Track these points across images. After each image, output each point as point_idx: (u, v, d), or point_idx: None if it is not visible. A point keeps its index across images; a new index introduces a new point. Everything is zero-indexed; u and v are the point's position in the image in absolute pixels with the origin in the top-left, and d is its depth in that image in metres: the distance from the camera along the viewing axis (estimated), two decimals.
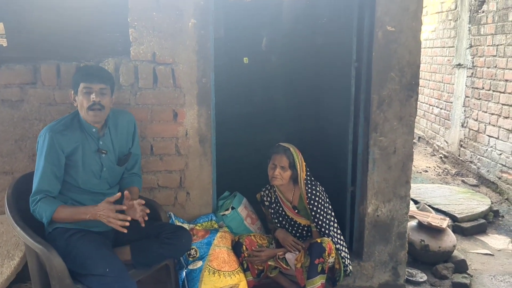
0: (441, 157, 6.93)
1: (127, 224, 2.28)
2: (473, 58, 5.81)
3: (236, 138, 4.16)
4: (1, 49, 2.92)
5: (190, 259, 2.84)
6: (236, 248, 2.95)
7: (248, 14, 4.52)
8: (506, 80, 5.03)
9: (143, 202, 2.42)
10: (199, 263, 2.82)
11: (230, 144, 3.78)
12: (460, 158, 6.27)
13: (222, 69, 3.42)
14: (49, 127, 2.42)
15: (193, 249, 2.85)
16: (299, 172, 2.96)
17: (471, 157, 5.95)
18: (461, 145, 6.24)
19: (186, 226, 2.96)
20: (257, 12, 4.61)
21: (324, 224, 2.94)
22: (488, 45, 5.43)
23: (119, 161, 2.61)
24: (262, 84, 4.66)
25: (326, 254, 2.76)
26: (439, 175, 6.23)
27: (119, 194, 2.34)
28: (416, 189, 5.10)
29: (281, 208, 3.09)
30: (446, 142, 6.74)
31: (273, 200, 3.12)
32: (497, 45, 5.22)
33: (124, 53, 2.89)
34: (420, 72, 3.13)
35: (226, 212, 3.17)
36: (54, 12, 2.89)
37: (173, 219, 2.95)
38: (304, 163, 2.99)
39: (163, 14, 2.82)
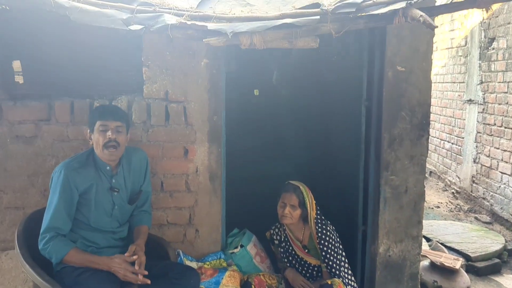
0: (453, 193, 6.84)
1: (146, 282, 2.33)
2: (484, 94, 5.80)
3: (245, 172, 4.15)
4: (17, 86, 2.98)
5: None
6: None
7: (260, 49, 4.58)
8: None
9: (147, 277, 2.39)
10: None
11: (239, 179, 3.78)
12: (473, 194, 6.18)
13: (233, 103, 3.46)
14: (64, 164, 2.44)
15: None
16: (309, 211, 2.94)
17: (483, 194, 5.87)
18: (473, 181, 6.16)
19: (194, 264, 2.94)
20: (269, 48, 4.68)
21: (334, 265, 2.89)
22: (499, 82, 5.42)
23: (130, 199, 2.62)
24: (272, 117, 4.70)
25: None
26: (452, 211, 6.14)
27: (134, 258, 2.37)
28: (428, 226, 5.02)
29: (291, 247, 3.05)
30: (458, 178, 6.67)
31: (282, 239, 3.09)
32: (508, 82, 5.22)
33: (137, 91, 2.94)
34: (431, 107, 3.12)
35: (235, 250, 3.15)
36: (69, 50, 2.95)
37: (182, 257, 2.93)
38: (314, 202, 2.97)
39: (176, 54, 2.88)
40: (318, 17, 1.88)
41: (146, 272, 2.35)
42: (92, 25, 2.01)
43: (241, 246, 3.17)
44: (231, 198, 3.27)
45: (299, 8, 2.03)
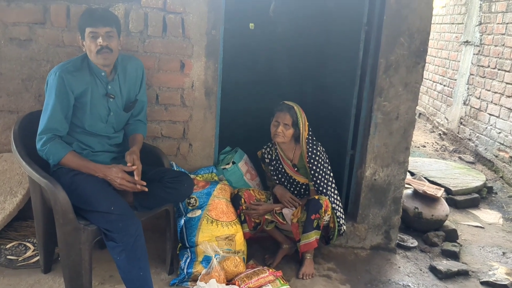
0: (440, 134, 6.97)
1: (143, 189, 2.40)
2: (482, 35, 5.78)
3: (239, 98, 4.15)
4: None
5: (190, 207, 2.90)
6: (235, 200, 3.00)
7: None
8: None
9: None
10: (198, 212, 2.88)
11: (233, 105, 3.78)
12: (459, 136, 6.31)
13: (228, 32, 3.38)
14: (59, 66, 2.42)
15: (193, 198, 2.90)
16: (301, 131, 2.99)
17: (470, 135, 5.99)
18: (461, 123, 6.27)
19: None
20: None
21: (322, 183, 2.99)
22: (498, 23, 5.39)
23: (125, 107, 2.63)
24: (266, 50, 4.63)
25: (323, 210, 2.83)
26: (437, 151, 6.29)
27: (133, 167, 2.40)
28: (413, 162, 5.16)
29: (281, 166, 3.13)
30: (447, 119, 6.77)
31: (273, 158, 3.17)
32: (507, 23, 5.19)
33: None
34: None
35: (227, 166, 3.22)
36: None
37: (175, 168, 2.99)
38: (307, 123, 3.02)
39: None
40: None
41: (144, 183, 2.40)
42: None
43: (233, 162, 3.24)
44: (225, 117, 3.30)
45: None
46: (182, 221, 2.87)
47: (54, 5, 2.82)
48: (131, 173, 2.42)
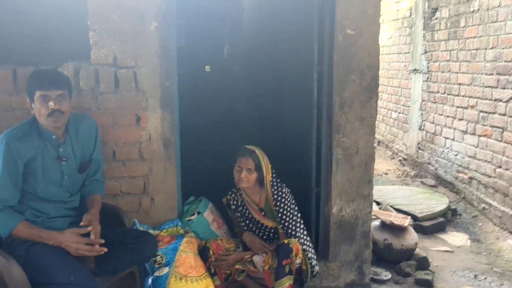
0: (400, 160, 7.12)
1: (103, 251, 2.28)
2: (428, 63, 6.02)
3: (199, 144, 4.13)
4: None
5: (156, 265, 2.79)
6: (203, 253, 2.92)
7: (209, 22, 4.53)
8: (460, 84, 5.24)
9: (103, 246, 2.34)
10: (165, 270, 2.77)
11: (193, 149, 3.76)
12: (419, 160, 6.46)
13: (184, 78, 3.39)
14: (6, 133, 2.32)
15: (159, 256, 2.80)
16: (265, 174, 2.97)
17: (429, 159, 6.14)
18: (419, 148, 6.43)
19: (151, 232, 2.91)
20: (218, 20, 4.63)
21: (290, 226, 2.95)
22: (442, 50, 5.64)
23: (80, 168, 2.54)
24: (224, 91, 4.67)
25: (293, 254, 2.78)
26: (399, 177, 6.40)
27: (89, 228, 2.30)
28: (378, 191, 5.21)
29: (247, 211, 3.08)
30: (405, 145, 6.93)
31: (239, 203, 3.12)
32: (450, 50, 5.44)
33: (84, 57, 2.82)
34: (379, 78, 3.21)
35: (192, 217, 3.14)
36: (10, 15, 2.80)
37: (138, 226, 2.89)
38: (269, 165, 3.00)
39: (124, 17, 2.78)
40: None
41: (102, 241, 2.30)
42: None
43: (198, 213, 3.17)
44: (186, 167, 3.24)
45: None
46: (150, 281, 2.75)
47: (0, 70, 2.73)
48: (88, 235, 2.31)
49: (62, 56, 2.84)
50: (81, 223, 2.32)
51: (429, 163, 6.14)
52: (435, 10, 5.84)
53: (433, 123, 5.97)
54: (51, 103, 2.28)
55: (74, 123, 2.50)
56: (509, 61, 4.30)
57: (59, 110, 2.30)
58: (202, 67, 4.70)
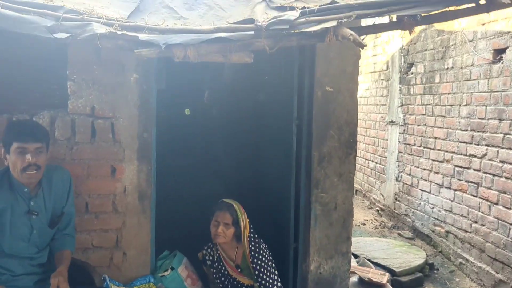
0: (377, 210, 7.13)
1: None
2: (405, 116, 6.15)
3: (175, 191, 4.06)
4: None
5: None
6: None
7: (190, 67, 4.53)
8: (435, 138, 5.34)
9: None
10: None
11: (169, 199, 3.68)
12: (396, 211, 6.48)
13: (163, 121, 3.37)
14: None
15: None
16: (242, 229, 2.90)
17: (406, 211, 6.16)
18: (396, 199, 6.46)
19: None
20: (200, 65, 4.66)
21: (267, 284, 2.87)
22: (418, 104, 5.78)
23: (51, 222, 2.43)
24: (202, 136, 4.65)
25: None
26: (377, 228, 6.38)
27: None
28: (356, 243, 5.16)
29: (223, 267, 2.99)
30: (382, 196, 6.96)
31: (215, 259, 3.03)
32: (426, 104, 5.57)
33: (61, 106, 2.78)
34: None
35: (166, 273, 3.03)
36: None
37: (108, 282, 2.76)
38: (247, 220, 2.95)
39: (104, 68, 2.77)
40: (253, 32, 1.89)
41: None
42: (12, 31, 1.87)
43: (172, 268, 3.05)
44: (161, 219, 3.15)
45: (233, 23, 2.03)
46: None
47: None
48: None
49: (38, 105, 2.79)
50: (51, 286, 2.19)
51: (406, 215, 6.15)
52: (411, 65, 6.03)
53: (409, 174, 6.03)
54: (28, 156, 2.21)
55: (47, 174, 2.41)
56: (483, 119, 4.41)
57: (35, 163, 2.23)
58: (181, 110, 4.69)
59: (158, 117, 2.99)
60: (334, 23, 1.87)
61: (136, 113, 2.85)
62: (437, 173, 5.31)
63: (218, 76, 4.80)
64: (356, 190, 8.00)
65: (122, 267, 2.92)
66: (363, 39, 1.94)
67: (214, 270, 3.03)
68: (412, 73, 5.98)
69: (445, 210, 5.15)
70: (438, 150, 5.28)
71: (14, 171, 2.24)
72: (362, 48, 2.03)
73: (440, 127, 5.24)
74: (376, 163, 7.22)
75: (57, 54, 2.78)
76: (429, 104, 5.49)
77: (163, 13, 2.21)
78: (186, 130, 4.54)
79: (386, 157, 6.81)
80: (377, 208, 7.13)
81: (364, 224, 6.57)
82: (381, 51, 7.04)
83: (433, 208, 5.42)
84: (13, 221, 2.27)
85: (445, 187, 5.13)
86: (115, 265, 2.91)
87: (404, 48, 6.20)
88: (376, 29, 2.49)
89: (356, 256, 4.76)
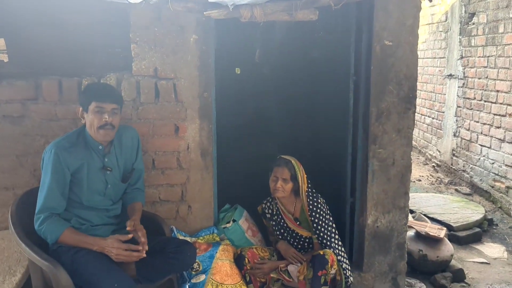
0: (433, 166, 7.01)
1: (141, 256, 2.33)
2: (464, 69, 5.91)
3: (233, 149, 4.16)
4: (2, 65, 2.93)
5: (193, 272, 2.85)
6: (239, 261, 2.96)
7: (241, 26, 4.53)
8: (497, 91, 5.13)
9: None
10: (202, 277, 2.82)
11: (228, 156, 3.80)
12: (453, 167, 6.35)
13: (216, 81, 3.43)
14: (54, 143, 2.42)
15: (196, 263, 2.85)
16: (300, 184, 2.99)
17: (463, 166, 6.03)
18: (453, 154, 6.32)
19: (188, 239, 2.97)
20: (250, 23, 4.63)
21: (325, 236, 2.96)
22: (479, 56, 5.53)
23: (123, 177, 2.62)
24: (255, 95, 4.68)
25: (329, 266, 2.79)
26: (433, 184, 6.30)
27: (130, 236, 2.36)
28: (411, 198, 5.10)
29: (282, 220, 3.11)
30: (439, 151, 6.82)
31: (274, 212, 3.15)
32: (488, 56, 5.32)
33: (126, 69, 2.91)
34: None
35: (228, 225, 3.19)
36: (55, 28, 2.91)
37: (175, 233, 2.96)
38: (305, 175, 3.02)
39: (164, 30, 2.85)
40: None
41: (146, 248, 2.36)
42: None
43: (233, 221, 3.21)
44: (222, 174, 3.29)
45: None
46: (187, 287, 2.81)
47: (46, 81, 2.84)
48: (133, 241, 2.38)
49: (104, 67, 2.94)
50: (127, 228, 2.39)
51: (464, 171, 6.03)
52: (472, 15, 5.73)
53: (468, 129, 5.86)
54: (105, 116, 2.37)
55: (117, 134, 2.57)
56: None
57: (111, 123, 2.39)
58: (232, 70, 4.73)
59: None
60: None
61: (196, 73, 2.94)
62: (498, 127, 5.13)
63: (270, 33, 4.76)
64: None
65: (188, 219, 3.10)
66: None
67: (274, 223, 3.15)
68: (473, 24, 5.69)
69: (506, 165, 5.01)
70: (500, 104, 5.08)
71: (90, 129, 2.41)
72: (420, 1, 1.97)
73: (503, 80, 5.02)
74: (433, 118, 7.03)
75: (119, 19, 2.89)
76: (492, 56, 5.24)
77: None
78: (237, 90, 4.58)
79: (443, 112, 6.62)
80: (433, 164, 7.01)
81: (420, 180, 6.50)
82: (439, 1, 6.70)
83: (493, 163, 5.28)
84: (90, 177, 2.46)
85: (507, 142, 4.96)
86: (181, 217, 3.09)
87: None
88: None
89: (412, 212, 4.76)
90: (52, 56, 2.92)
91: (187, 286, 2.81)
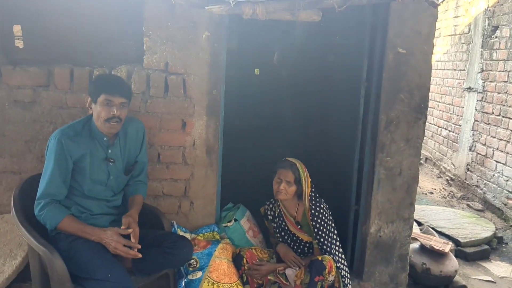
0: (447, 180, 6.90)
1: (137, 256, 2.34)
2: (484, 82, 5.80)
3: (242, 149, 4.18)
4: (17, 51, 2.97)
5: (190, 269, 2.85)
6: (237, 260, 2.95)
7: (261, 28, 4.56)
8: None
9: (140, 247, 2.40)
10: (199, 274, 2.82)
11: (236, 155, 3.81)
12: (467, 182, 6.23)
13: (233, 80, 3.45)
14: (60, 131, 2.44)
15: (194, 259, 2.85)
16: (304, 188, 2.96)
17: (477, 182, 5.92)
18: (468, 169, 6.21)
19: (188, 235, 2.98)
20: (270, 26, 4.66)
21: (326, 242, 2.93)
22: (500, 71, 5.42)
23: (126, 169, 2.63)
24: (270, 96, 4.69)
25: (326, 272, 2.75)
26: (445, 198, 6.20)
27: (129, 230, 2.37)
28: (421, 211, 5.08)
29: (284, 223, 3.09)
30: (453, 165, 6.71)
31: (276, 215, 3.13)
32: (509, 71, 5.22)
33: (137, 61, 2.93)
34: (430, 93, 3.13)
35: (229, 224, 3.18)
36: (70, 18, 2.94)
37: (176, 228, 2.96)
38: (309, 179, 3.00)
39: (177, 25, 2.86)
40: None
41: (139, 246, 2.36)
42: None
43: (235, 220, 3.20)
44: (227, 173, 3.29)
45: None
46: (183, 283, 2.80)
47: (58, 68, 2.88)
48: (128, 237, 2.39)
49: (115, 59, 2.96)
50: (122, 227, 2.40)
51: (477, 186, 5.91)
52: (495, 28, 5.62)
53: (484, 144, 5.75)
54: (113, 109, 2.38)
55: (123, 125, 2.58)
56: None
57: (118, 117, 2.41)
58: (251, 71, 4.75)
59: (228, 76, 3.07)
60: None
61: (206, 70, 2.94)
62: None
63: (288, 37, 4.77)
64: (426, 158, 7.76)
65: (189, 215, 3.10)
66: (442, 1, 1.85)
67: (275, 225, 3.14)
68: (496, 37, 5.59)
69: None
70: None
71: (97, 120, 2.43)
72: (435, 8, 1.94)
73: None
74: (450, 131, 6.92)
75: (133, 12, 2.91)
76: None
77: None
78: (254, 90, 4.60)
79: (460, 126, 6.51)
80: (447, 177, 6.90)
81: (432, 193, 6.40)
82: (463, 12, 6.60)
83: (507, 180, 5.17)
84: (92, 167, 2.48)
85: None
86: (183, 213, 3.10)
87: (489, 10, 5.77)
88: None
89: (420, 224, 4.70)
90: (66, 45, 2.95)
91: (183, 282, 2.81)
